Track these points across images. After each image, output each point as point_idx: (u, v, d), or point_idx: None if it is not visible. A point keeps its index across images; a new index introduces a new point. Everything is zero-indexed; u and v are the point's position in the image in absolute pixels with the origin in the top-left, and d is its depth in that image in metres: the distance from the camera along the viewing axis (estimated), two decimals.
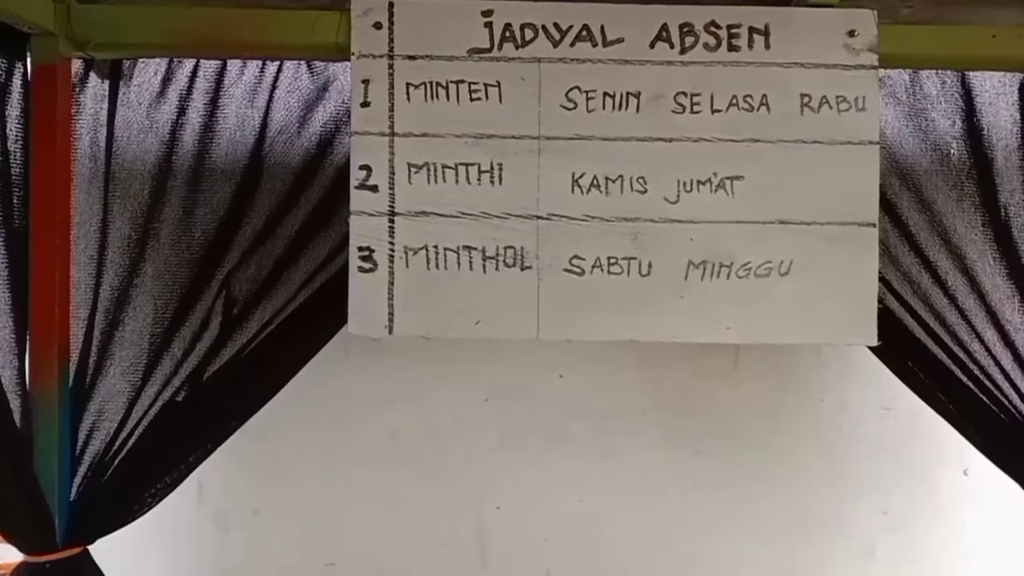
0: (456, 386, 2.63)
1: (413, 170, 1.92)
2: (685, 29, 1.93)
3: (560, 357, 2.61)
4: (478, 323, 1.94)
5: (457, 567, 2.63)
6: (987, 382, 2.10)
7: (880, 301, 1.96)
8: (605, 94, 1.92)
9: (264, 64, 2.11)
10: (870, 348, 2.00)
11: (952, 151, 2.11)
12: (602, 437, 2.63)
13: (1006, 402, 2.10)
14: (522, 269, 1.94)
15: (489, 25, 1.93)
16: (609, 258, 1.94)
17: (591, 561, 2.63)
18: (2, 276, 1.95)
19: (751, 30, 1.93)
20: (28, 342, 1.98)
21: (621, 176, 1.93)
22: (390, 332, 1.93)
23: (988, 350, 2.10)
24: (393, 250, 1.93)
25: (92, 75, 2.09)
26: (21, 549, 1.97)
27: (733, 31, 1.93)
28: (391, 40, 1.92)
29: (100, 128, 2.09)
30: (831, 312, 1.94)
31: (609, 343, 2.03)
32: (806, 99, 1.93)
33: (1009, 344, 2.09)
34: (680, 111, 1.93)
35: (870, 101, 1.93)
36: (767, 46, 1.93)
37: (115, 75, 2.10)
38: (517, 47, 1.92)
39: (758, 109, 1.93)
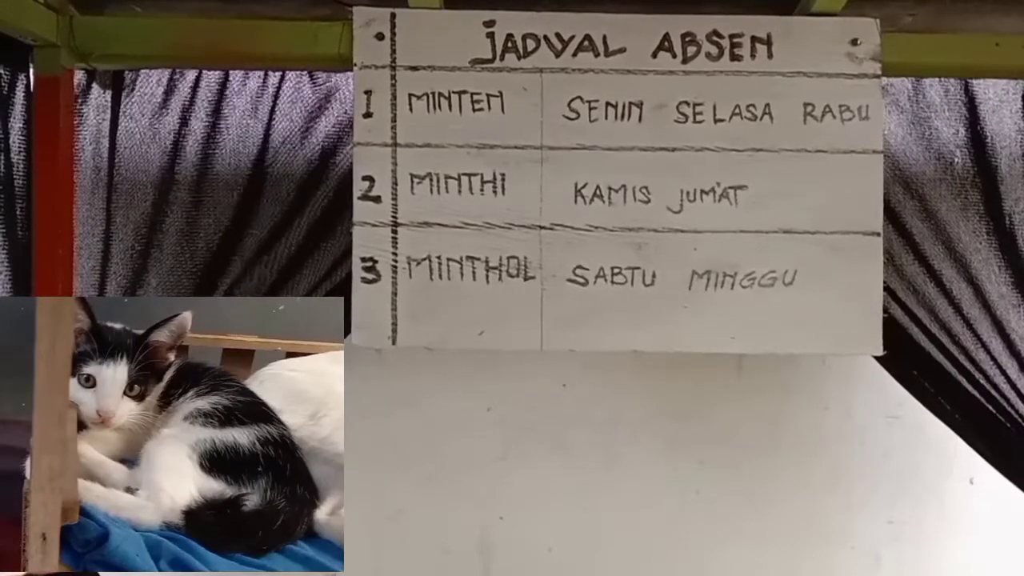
0: (458, 395, 2.61)
1: (416, 180, 1.92)
2: (687, 38, 1.93)
3: (563, 366, 2.59)
4: (482, 334, 1.94)
5: None
6: (993, 391, 2.09)
7: (885, 310, 1.95)
8: (608, 104, 1.92)
9: (266, 75, 2.12)
10: (875, 357, 1.99)
11: (956, 159, 2.10)
12: (605, 446, 2.62)
13: (1012, 411, 2.09)
14: (525, 279, 1.93)
15: (491, 35, 1.93)
16: (613, 268, 1.94)
17: (595, 571, 2.62)
18: (5, 287, 1.95)
19: (753, 39, 1.93)
20: None
21: (624, 186, 1.93)
22: (393, 343, 1.93)
23: (994, 359, 2.09)
24: (396, 261, 1.93)
25: (94, 86, 2.10)
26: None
27: (735, 40, 1.93)
28: (393, 51, 1.92)
29: (103, 139, 2.09)
30: (836, 322, 1.93)
31: (612, 352, 2.02)
32: (809, 108, 1.93)
33: (1015, 353, 2.08)
34: (683, 120, 1.93)
35: (873, 110, 1.93)
36: (770, 55, 1.93)
37: (117, 86, 2.10)
38: (519, 57, 1.92)
39: (761, 118, 1.92)
